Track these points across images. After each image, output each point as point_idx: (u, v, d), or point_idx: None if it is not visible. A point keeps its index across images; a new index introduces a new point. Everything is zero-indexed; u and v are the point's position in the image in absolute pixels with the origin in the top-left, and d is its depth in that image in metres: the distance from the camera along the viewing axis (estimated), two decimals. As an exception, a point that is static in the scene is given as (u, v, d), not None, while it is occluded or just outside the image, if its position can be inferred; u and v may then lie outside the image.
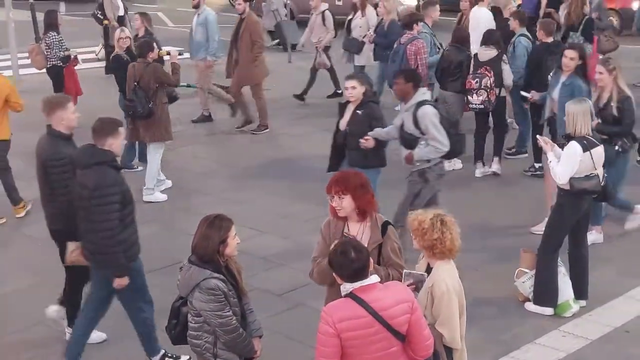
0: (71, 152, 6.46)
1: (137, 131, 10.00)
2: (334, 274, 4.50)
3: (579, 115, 7.01)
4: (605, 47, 12.85)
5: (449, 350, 4.99)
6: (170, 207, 9.89)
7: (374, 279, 4.46)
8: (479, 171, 10.66)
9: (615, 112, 8.22)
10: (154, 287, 6.68)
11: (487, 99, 10.15)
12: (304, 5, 21.53)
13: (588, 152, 6.94)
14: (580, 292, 7.34)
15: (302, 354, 6.51)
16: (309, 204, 9.40)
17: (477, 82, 10.14)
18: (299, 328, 6.86)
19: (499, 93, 10.33)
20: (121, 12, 16.23)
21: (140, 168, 10.83)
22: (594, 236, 8.35)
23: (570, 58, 8.87)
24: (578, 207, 7.13)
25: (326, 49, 14.15)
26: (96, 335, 6.78)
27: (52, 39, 12.35)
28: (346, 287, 4.45)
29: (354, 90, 8.11)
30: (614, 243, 8.63)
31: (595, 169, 7.03)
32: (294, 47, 17.05)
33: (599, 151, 7.07)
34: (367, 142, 8.02)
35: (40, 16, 15.73)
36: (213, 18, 12.87)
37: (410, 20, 11.02)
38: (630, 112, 8.24)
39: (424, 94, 7.90)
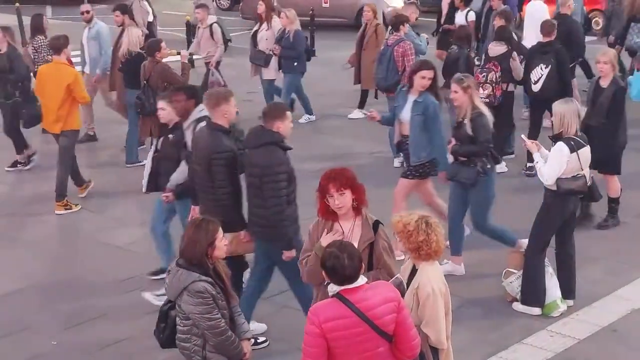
0: (232, 145, 6.72)
1: (148, 127, 10.24)
2: (323, 273, 4.50)
3: (567, 115, 7.02)
4: None
5: (435, 351, 4.99)
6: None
7: (361, 280, 4.45)
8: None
9: (469, 130, 7.63)
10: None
11: (492, 92, 10.33)
12: (293, 7, 21.58)
13: (575, 153, 6.96)
14: (567, 291, 7.36)
15: (289, 355, 6.51)
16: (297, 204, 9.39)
17: (483, 76, 10.37)
18: (285, 330, 6.87)
19: (507, 88, 10.49)
20: (150, 18, 15.87)
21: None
22: (449, 267, 7.80)
23: (428, 78, 8.04)
24: (565, 207, 7.15)
25: (217, 64, 13.04)
26: (257, 326, 6.82)
27: (40, 42, 12.29)
28: (333, 288, 4.45)
29: (162, 112, 7.57)
30: (601, 242, 8.66)
31: (582, 170, 7.05)
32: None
33: (586, 152, 7.09)
34: (168, 198, 7.44)
35: (26, 20, 15.69)
36: (105, 31, 12.48)
37: (397, 21, 11.05)
38: (484, 129, 7.60)
39: (201, 110, 7.32)
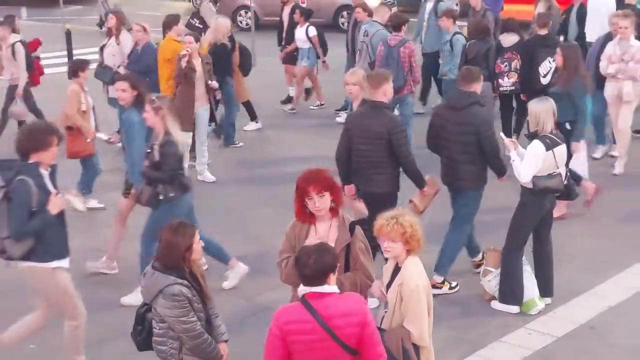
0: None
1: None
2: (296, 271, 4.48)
3: (542, 113, 7.06)
4: None
5: (416, 348, 5.00)
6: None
7: (329, 288, 4.38)
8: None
9: (157, 156, 7.27)
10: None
11: (517, 80, 10.68)
12: (270, 8, 21.57)
13: (551, 151, 7.00)
14: (545, 289, 7.40)
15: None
16: (274, 207, 9.41)
17: (506, 65, 10.71)
18: (265, 332, 6.83)
19: None
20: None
21: (241, 144, 12.18)
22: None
23: (121, 90, 7.90)
24: (541, 205, 7.19)
25: (26, 93, 12.03)
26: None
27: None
28: (300, 290, 4.43)
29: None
30: (578, 240, 8.72)
31: (558, 168, 7.09)
32: None
33: (562, 150, 7.14)
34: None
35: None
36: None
37: (398, 22, 11.02)
38: (171, 157, 7.22)
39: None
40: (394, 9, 14.54)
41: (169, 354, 5.00)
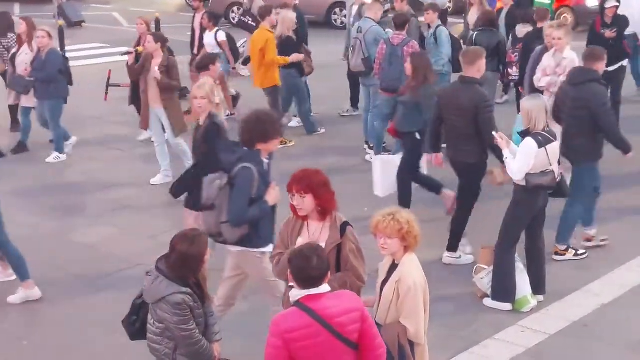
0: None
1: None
2: (289, 274, 4.43)
3: (535, 111, 7.06)
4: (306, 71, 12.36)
5: (411, 345, 5.00)
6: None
7: (323, 288, 4.37)
8: None
9: None
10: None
11: None
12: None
13: (543, 148, 7.00)
14: (537, 287, 7.40)
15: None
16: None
17: (516, 56, 11.36)
18: (262, 330, 6.81)
19: None
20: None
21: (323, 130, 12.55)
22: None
23: None
24: (534, 202, 7.19)
25: None
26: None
27: (10, 41, 12.18)
28: (294, 294, 4.37)
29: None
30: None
31: (551, 165, 7.09)
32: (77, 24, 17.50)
33: (554, 147, 7.14)
34: None
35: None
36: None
37: (402, 20, 10.99)
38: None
39: None
40: (387, 6, 14.46)
41: (163, 353, 4.98)
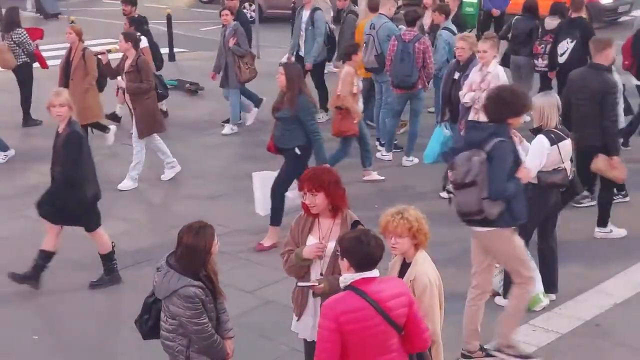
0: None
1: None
2: (345, 260, 4.44)
3: (547, 108, 7.02)
4: (246, 76, 12.09)
5: None
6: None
7: (375, 272, 4.44)
8: None
9: None
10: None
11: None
12: (274, 1, 21.49)
13: (555, 146, 6.96)
14: (549, 285, 7.36)
15: (273, 351, 6.48)
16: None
17: (542, 47, 11.52)
18: (270, 325, 6.82)
19: None
20: (330, 14, 15.35)
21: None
22: None
23: None
24: (546, 200, 7.15)
25: None
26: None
27: (21, 36, 12.22)
28: (345, 279, 4.42)
29: None
30: (583, 236, 8.67)
31: (563, 163, 7.04)
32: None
33: (567, 144, 7.09)
34: None
35: None
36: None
37: (413, 17, 11.01)
38: None
39: None
40: (400, 3, 14.45)
41: (176, 350, 4.97)
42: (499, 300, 7.33)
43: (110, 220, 8.58)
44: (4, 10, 13.23)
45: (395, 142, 11.42)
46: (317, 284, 5.08)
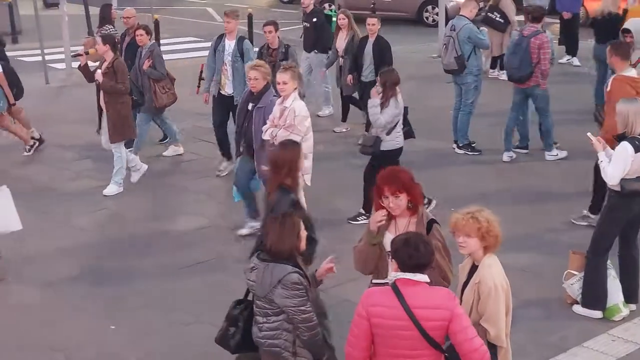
0: None
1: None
2: (394, 261, 4.48)
3: (632, 114, 6.86)
4: (163, 102, 10.99)
5: (493, 348, 4.91)
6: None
7: (421, 277, 4.41)
8: None
9: None
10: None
11: None
12: (354, 0, 21.51)
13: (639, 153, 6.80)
14: (630, 295, 7.19)
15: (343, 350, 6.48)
16: (350, 200, 9.42)
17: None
18: (343, 324, 6.81)
19: None
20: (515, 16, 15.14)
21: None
22: None
23: None
24: (629, 208, 6.98)
25: None
26: None
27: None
28: (391, 276, 4.47)
29: None
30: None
31: (648, 170, 6.87)
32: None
33: (652, 152, 6.92)
34: None
35: (93, 10, 15.97)
36: None
37: (539, 13, 11.03)
38: None
39: None
40: (481, 5, 14.31)
41: (283, 347, 4.91)
42: (577, 308, 7.20)
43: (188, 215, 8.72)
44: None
45: (473, 143, 11.38)
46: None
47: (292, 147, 6.47)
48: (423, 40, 19.04)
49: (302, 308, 4.84)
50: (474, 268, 5.03)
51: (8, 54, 12.32)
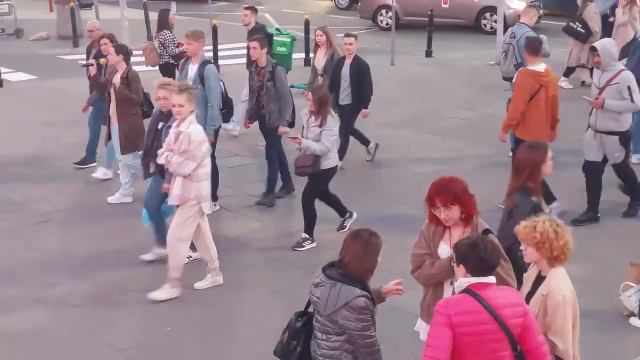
0: None
1: None
2: (461, 265, 4.44)
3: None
4: None
5: None
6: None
7: (491, 278, 4.42)
8: None
9: None
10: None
11: None
12: (411, 8, 21.49)
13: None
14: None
15: (396, 358, 6.46)
16: (406, 207, 9.40)
17: None
18: (395, 332, 6.81)
19: None
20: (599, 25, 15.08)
21: None
22: None
23: None
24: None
25: None
26: None
27: (166, 37, 12.70)
28: (461, 283, 4.42)
29: None
30: None
31: None
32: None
33: None
34: None
35: (152, 15, 16.22)
36: None
37: None
38: None
39: None
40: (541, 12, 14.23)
41: None
42: (634, 321, 7.08)
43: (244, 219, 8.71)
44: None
45: None
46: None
47: (538, 148, 6.20)
48: (481, 47, 18.91)
49: (367, 333, 4.70)
50: (539, 278, 4.97)
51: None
